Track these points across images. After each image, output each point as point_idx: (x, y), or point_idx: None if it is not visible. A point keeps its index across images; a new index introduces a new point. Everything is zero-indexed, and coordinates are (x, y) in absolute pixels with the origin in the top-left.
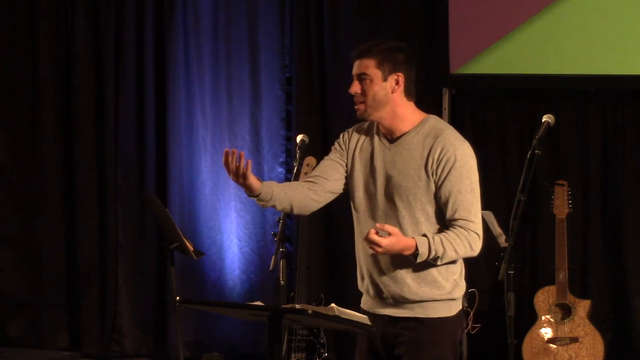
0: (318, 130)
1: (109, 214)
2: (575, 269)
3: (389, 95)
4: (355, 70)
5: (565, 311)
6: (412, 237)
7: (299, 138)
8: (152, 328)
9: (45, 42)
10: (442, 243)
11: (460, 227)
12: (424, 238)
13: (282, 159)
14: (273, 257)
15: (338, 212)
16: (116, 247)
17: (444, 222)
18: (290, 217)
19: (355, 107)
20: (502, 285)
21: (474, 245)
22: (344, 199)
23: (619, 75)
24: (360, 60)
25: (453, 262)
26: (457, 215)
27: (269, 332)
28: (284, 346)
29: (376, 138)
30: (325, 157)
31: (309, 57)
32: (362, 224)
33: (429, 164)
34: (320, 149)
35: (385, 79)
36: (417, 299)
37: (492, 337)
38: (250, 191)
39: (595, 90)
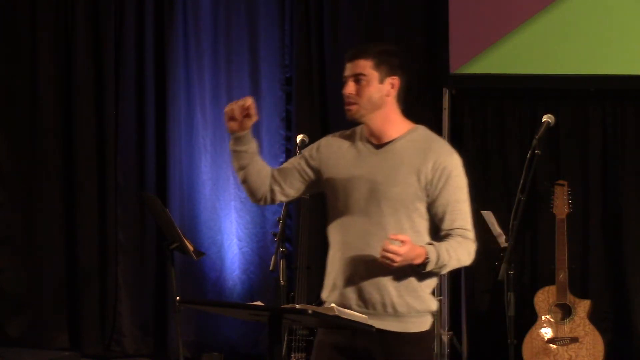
0: (318, 130)
1: (109, 214)
2: (575, 269)
3: (383, 98)
4: (350, 71)
5: (565, 311)
6: (421, 245)
7: (299, 138)
8: (152, 328)
9: (45, 42)
10: (447, 251)
11: (459, 235)
12: (431, 246)
13: (282, 159)
14: (273, 257)
15: None
16: (116, 247)
17: (429, 233)
18: (290, 217)
19: (347, 107)
20: (502, 285)
21: (472, 253)
22: None
23: (619, 75)
24: (357, 60)
25: (431, 274)
26: (456, 225)
27: (269, 332)
28: (284, 346)
29: (359, 143)
30: (293, 160)
31: (309, 57)
32: (343, 231)
33: (423, 172)
34: None
35: (381, 81)
36: (398, 308)
37: (492, 337)
38: (237, 129)
39: (595, 90)
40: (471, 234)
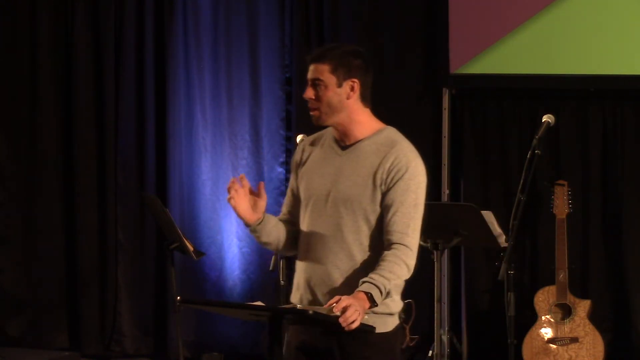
0: (318, 130)
1: (109, 214)
2: (575, 269)
3: (343, 102)
4: (309, 75)
5: (565, 311)
6: (358, 291)
7: (299, 138)
8: (152, 328)
9: (45, 42)
10: (383, 276)
11: (395, 242)
12: (366, 283)
13: (282, 159)
14: (273, 257)
15: None
16: (116, 247)
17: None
18: None
19: (310, 112)
20: (502, 285)
21: (410, 265)
22: None
23: (619, 75)
24: (315, 65)
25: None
26: (395, 227)
27: (269, 332)
28: (284, 346)
29: (328, 144)
30: (288, 195)
31: None
32: (307, 233)
33: (379, 173)
34: None
35: (339, 85)
36: None
37: (492, 337)
38: (253, 219)
39: (595, 90)
40: (409, 239)
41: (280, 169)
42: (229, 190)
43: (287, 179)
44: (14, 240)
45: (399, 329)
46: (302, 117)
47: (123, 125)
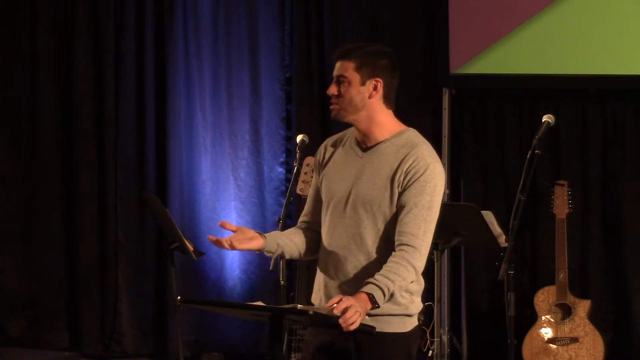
0: (318, 130)
1: (109, 214)
2: (575, 269)
3: (365, 100)
4: (335, 72)
5: (565, 311)
6: (360, 291)
7: (299, 138)
8: (152, 328)
9: (45, 43)
10: (388, 277)
11: (404, 244)
12: (370, 284)
13: (282, 159)
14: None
15: None
16: (116, 247)
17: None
18: (290, 217)
19: (330, 108)
20: (502, 285)
21: (417, 265)
22: None
23: (619, 75)
24: (341, 61)
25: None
26: (406, 228)
27: (270, 332)
28: (284, 346)
29: (349, 146)
30: (310, 195)
31: (309, 57)
32: (328, 234)
33: (397, 175)
34: None
35: (363, 83)
36: (372, 312)
37: (492, 337)
38: (257, 249)
39: (595, 90)
40: (419, 241)
41: (280, 169)
42: (217, 245)
43: (287, 179)
44: (14, 240)
45: (417, 330)
46: (302, 117)
47: (123, 126)
